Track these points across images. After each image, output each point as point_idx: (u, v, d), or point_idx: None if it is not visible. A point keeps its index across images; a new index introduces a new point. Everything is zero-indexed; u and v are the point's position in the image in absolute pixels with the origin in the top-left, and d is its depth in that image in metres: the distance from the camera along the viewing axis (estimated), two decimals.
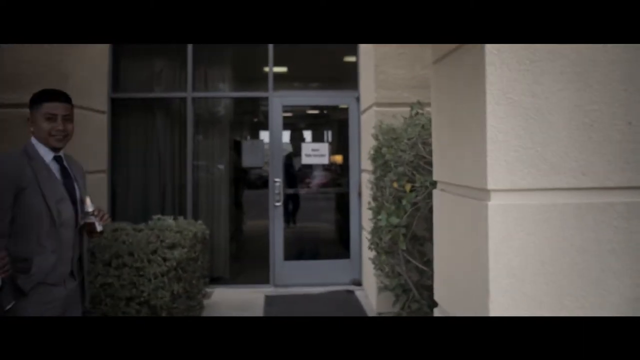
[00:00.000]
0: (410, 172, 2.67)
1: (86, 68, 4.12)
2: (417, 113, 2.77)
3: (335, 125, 5.23)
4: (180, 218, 3.75)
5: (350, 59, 4.77)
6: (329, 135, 5.86)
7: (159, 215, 3.62)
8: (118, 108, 4.62)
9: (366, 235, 3.71)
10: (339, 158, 5.15)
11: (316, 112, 6.19)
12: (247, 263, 5.03)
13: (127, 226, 3.38)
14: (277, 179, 4.46)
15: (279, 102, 4.52)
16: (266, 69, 4.62)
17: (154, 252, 2.92)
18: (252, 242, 5.49)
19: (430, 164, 2.53)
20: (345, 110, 4.52)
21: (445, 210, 1.99)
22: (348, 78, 4.75)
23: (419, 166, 2.62)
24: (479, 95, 1.56)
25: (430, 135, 2.71)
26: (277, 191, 4.46)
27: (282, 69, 5.28)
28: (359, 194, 4.39)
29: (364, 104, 4.25)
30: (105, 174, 4.48)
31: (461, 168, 1.74)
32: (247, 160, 4.81)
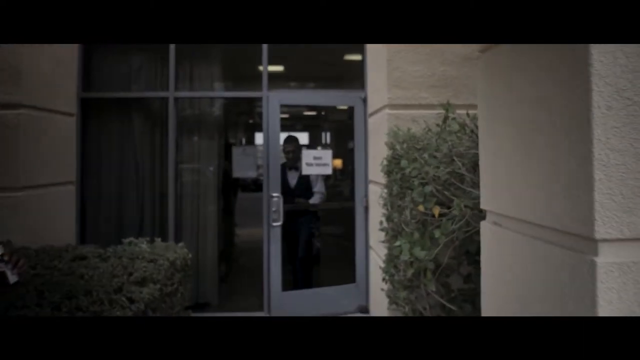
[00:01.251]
0: (441, 192, 2.11)
1: (49, 63, 3.53)
2: (447, 118, 2.20)
3: (338, 129, 4.62)
4: (158, 240, 3.17)
5: (355, 54, 4.21)
6: (329, 140, 5.26)
7: (130, 239, 3.03)
8: (89, 110, 4.03)
9: (379, 264, 3.13)
10: (341, 166, 4.57)
11: (314, 113, 5.61)
12: (238, 286, 4.45)
13: (90, 253, 2.79)
14: (274, 194, 3.78)
15: (276, 101, 3.88)
16: (260, 67, 4.04)
17: (119, 289, 2.33)
18: (244, 263, 4.91)
19: (468, 182, 1.97)
20: (348, 112, 3.93)
21: (503, 253, 1.45)
22: (353, 76, 4.19)
23: (452, 185, 2.05)
24: (576, 94, 1.02)
25: (463, 145, 2.15)
26: (274, 208, 3.77)
27: (278, 68, 4.71)
28: (366, 208, 3.83)
29: (372, 105, 3.68)
30: (74, 186, 3.88)
31: (537, 199, 1.19)
32: (239, 170, 4.21)
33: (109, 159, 4.06)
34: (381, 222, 3.05)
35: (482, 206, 1.63)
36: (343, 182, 4.32)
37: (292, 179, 4.22)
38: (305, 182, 4.20)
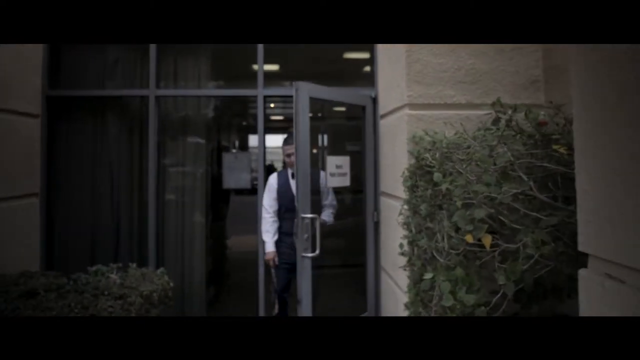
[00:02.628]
0: (495, 218, 1.60)
1: (7, 57, 3.00)
2: (499, 120, 1.70)
3: (348, 132, 4.06)
4: (133, 266, 2.64)
5: (362, 47, 3.71)
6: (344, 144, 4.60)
7: (97, 266, 2.50)
8: (56, 110, 3.49)
9: (394, 291, 2.59)
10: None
11: (331, 113, 5.04)
12: (231, 313, 3.91)
13: (45, 287, 2.25)
14: (306, 215, 2.77)
15: (305, 92, 2.82)
16: (255, 65, 3.53)
17: None
18: (236, 285, 4.38)
19: (535, 205, 1.47)
20: (359, 112, 3.41)
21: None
22: (359, 71, 3.69)
23: (512, 209, 1.55)
24: None
25: (523, 155, 1.65)
26: (306, 235, 2.75)
27: (274, 65, 4.21)
28: (376, 224, 3.32)
29: (384, 105, 3.18)
30: (38, 199, 3.34)
31: None
32: (230, 179, 3.68)
33: (80, 167, 3.51)
34: (401, 245, 2.54)
35: (581, 248, 1.13)
36: (349, 193, 3.75)
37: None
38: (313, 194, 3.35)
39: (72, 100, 3.51)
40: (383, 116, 3.22)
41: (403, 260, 2.55)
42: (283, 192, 3.39)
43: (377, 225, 3.31)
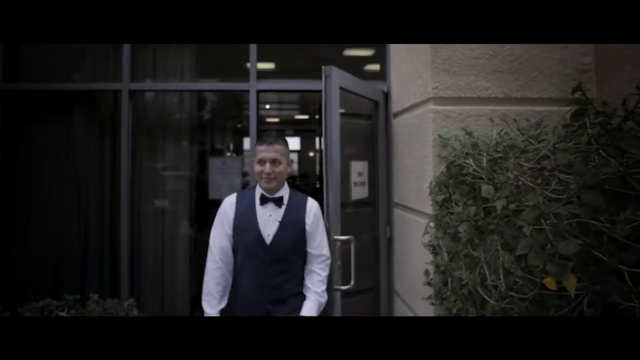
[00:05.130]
0: (586, 253, 1.12)
1: None
2: (583, 113, 1.21)
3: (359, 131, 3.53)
4: (93, 298, 2.12)
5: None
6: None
7: (46, 300, 1.99)
8: (12, 106, 2.97)
9: None
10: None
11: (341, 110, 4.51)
12: None
13: None
14: (340, 237, 2.23)
15: (337, 83, 2.27)
16: (247, 62, 3.04)
17: None
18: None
19: None
20: (370, 109, 2.91)
21: None
22: (366, 63, 3.21)
23: (613, 240, 1.06)
24: None
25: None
26: (339, 262, 2.22)
27: (269, 60, 3.71)
28: (389, 240, 2.83)
29: (400, 101, 2.69)
30: None
31: None
32: (216, 189, 3.16)
33: (40, 172, 2.99)
34: (427, 273, 2.05)
35: None
36: (361, 205, 3.21)
37: (268, 227, 1.97)
38: (293, 234, 1.99)
39: (32, 95, 3.00)
40: (397, 114, 2.73)
41: (426, 290, 2.06)
42: (244, 226, 1.97)
43: (389, 241, 2.82)
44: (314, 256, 2.03)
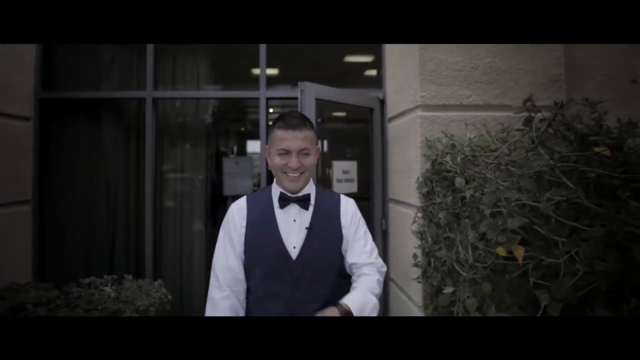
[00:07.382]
0: (529, 229, 1.45)
1: None
2: (531, 119, 1.54)
3: (351, 135, 3.90)
4: (129, 278, 2.47)
5: (367, 50, 3.57)
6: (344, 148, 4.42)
7: (91, 278, 2.33)
8: (49, 113, 3.33)
9: (407, 305, 2.40)
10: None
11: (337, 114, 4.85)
12: None
13: (34, 301, 2.08)
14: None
15: (311, 93, 2.64)
16: (257, 69, 3.38)
17: None
18: None
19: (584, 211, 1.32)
20: (366, 114, 3.25)
21: None
22: (364, 73, 3.54)
23: (552, 219, 1.39)
24: None
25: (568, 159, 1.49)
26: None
27: (275, 67, 4.05)
28: (384, 232, 3.16)
29: (394, 107, 3.02)
30: (30, 206, 3.17)
31: None
32: (231, 186, 3.51)
33: (74, 172, 3.35)
34: (415, 256, 2.38)
35: None
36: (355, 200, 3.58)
37: (292, 236, 1.47)
38: (326, 243, 1.50)
39: (66, 103, 3.35)
40: (392, 119, 3.07)
41: (416, 272, 2.39)
42: (260, 237, 1.47)
43: (385, 233, 3.15)
44: (360, 266, 1.51)
